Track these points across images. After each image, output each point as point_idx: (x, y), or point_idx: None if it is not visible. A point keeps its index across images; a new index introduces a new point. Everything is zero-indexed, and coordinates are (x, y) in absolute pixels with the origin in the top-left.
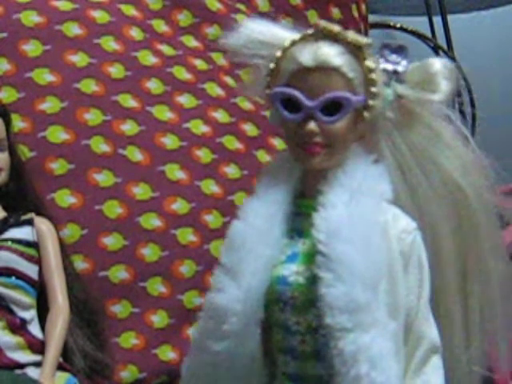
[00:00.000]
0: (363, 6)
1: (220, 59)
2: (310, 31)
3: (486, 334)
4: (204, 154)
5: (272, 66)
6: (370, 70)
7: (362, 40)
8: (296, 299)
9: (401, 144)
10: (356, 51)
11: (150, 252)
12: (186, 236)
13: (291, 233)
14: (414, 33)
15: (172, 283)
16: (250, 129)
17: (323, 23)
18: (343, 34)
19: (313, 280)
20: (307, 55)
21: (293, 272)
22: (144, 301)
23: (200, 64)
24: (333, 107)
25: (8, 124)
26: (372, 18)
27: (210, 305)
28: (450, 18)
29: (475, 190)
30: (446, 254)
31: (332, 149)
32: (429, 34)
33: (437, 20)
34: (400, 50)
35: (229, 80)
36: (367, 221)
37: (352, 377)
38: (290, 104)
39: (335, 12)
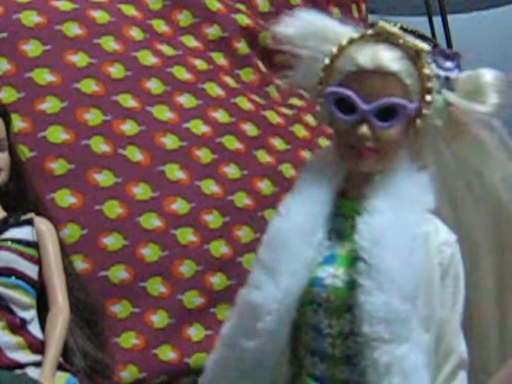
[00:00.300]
0: (363, 6)
1: (220, 59)
2: (370, 32)
3: None
4: (204, 154)
5: (327, 61)
6: (428, 78)
7: (423, 46)
8: (331, 302)
9: (445, 152)
10: (415, 57)
11: (149, 252)
12: (186, 236)
13: (330, 234)
14: (414, 33)
15: (172, 283)
16: (249, 129)
17: (384, 25)
18: (404, 38)
19: (351, 285)
20: (366, 57)
21: (330, 274)
22: (144, 301)
23: (200, 64)
24: (388, 113)
25: (8, 124)
26: (372, 18)
27: (244, 301)
28: (450, 18)
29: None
30: (484, 266)
31: (382, 154)
32: (429, 34)
33: (437, 20)
34: (454, 57)
35: (229, 80)
36: (410, 231)
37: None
38: (344, 105)
39: (335, 12)
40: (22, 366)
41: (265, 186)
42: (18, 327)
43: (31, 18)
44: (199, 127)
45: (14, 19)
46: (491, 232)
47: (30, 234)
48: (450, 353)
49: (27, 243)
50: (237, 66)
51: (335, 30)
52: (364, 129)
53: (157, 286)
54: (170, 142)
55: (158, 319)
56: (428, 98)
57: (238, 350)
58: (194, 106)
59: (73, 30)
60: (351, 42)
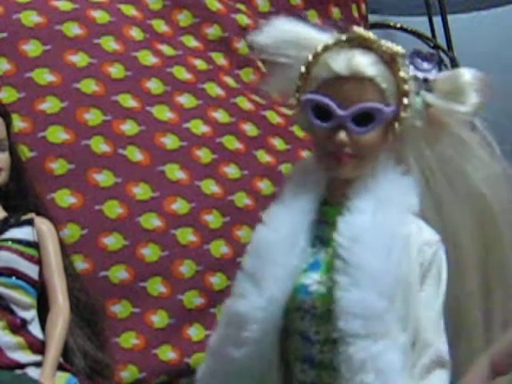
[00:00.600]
0: (363, 6)
1: (220, 59)
2: (344, 37)
3: None
4: (204, 154)
5: (303, 69)
6: (404, 81)
7: (397, 50)
8: (316, 309)
9: (427, 154)
10: (390, 61)
11: (150, 252)
12: (186, 236)
13: (314, 241)
14: (414, 33)
15: (172, 283)
16: (249, 129)
17: (358, 30)
18: (378, 42)
19: (333, 289)
20: (341, 63)
21: (314, 281)
22: (144, 301)
23: (200, 64)
24: (364, 118)
25: (8, 124)
26: (372, 18)
27: (230, 311)
28: (450, 17)
29: (500, 201)
30: (469, 265)
31: (361, 159)
32: (429, 34)
33: (437, 20)
34: (431, 58)
35: (229, 80)
36: (390, 231)
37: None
38: (321, 111)
39: (335, 12)
40: (22, 366)
41: (265, 186)
42: (19, 327)
43: (31, 17)
44: (199, 127)
45: (14, 19)
46: (476, 232)
47: (31, 234)
48: (427, 347)
49: (27, 243)
50: (237, 66)
51: (311, 37)
52: (342, 135)
53: (157, 286)
54: (170, 141)
55: (158, 319)
56: (405, 100)
57: (226, 360)
58: (194, 106)
59: (73, 30)
60: (326, 48)
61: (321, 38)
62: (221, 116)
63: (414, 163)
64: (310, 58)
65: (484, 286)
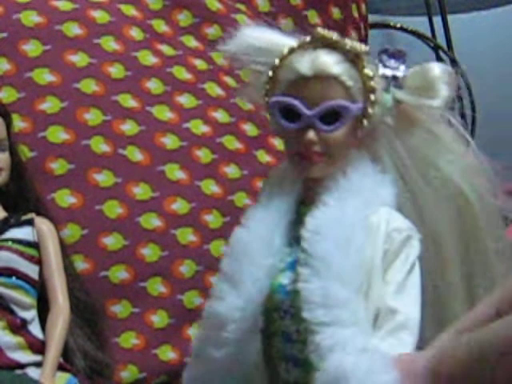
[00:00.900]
0: (363, 6)
1: (220, 59)
2: (307, 39)
3: None
4: (204, 154)
5: (270, 73)
6: (369, 78)
7: (360, 48)
8: (295, 308)
9: (401, 150)
10: (354, 59)
11: (150, 252)
12: (186, 236)
13: (291, 241)
14: (414, 33)
15: (172, 283)
16: (249, 129)
17: (321, 31)
18: (341, 42)
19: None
20: (305, 64)
21: (292, 280)
22: (144, 301)
23: (200, 64)
24: (332, 116)
25: (8, 124)
26: (372, 18)
27: (209, 312)
28: (450, 17)
29: (477, 192)
30: (450, 259)
31: (331, 157)
32: (429, 34)
33: (437, 20)
34: (398, 55)
35: (229, 80)
36: (351, 220)
37: (327, 371)
38: (289, 113)
39: (335, 12)
40: (22, 366)
41: None
42: (19, 327)
43: (31, 17)
44: (199, 127)
45: (14, 19)
46: (454, 225)
47: (31, 234)
48: (389, 313)
49: (28, 243)
50: (237, 67)
51: (279, 42)
52: (311, 134)
53: (157, 286)
54: (170, 141)
55: (158, 319)
56: (372, 97)
57: (209, 361)
58: (194, 105)
59: (73, 30)
60: (291, 51)
61: (288, 42)
62: (221, 116)
63: (388, 160)
64: (277, 61)
65: (466, 280)
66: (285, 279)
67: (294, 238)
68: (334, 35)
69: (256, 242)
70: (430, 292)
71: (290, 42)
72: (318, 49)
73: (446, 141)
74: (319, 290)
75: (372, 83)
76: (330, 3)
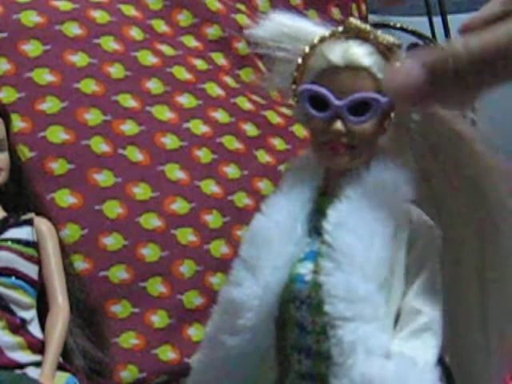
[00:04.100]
0: (363, 6)
1: (220, 59)
2: (340, 28)
3: (504, 349)
4: (204, 154)
5: (300, 61)
6: None
7: (393, 40)
8: (312, 298)
9: (423, 147)
10: (386, 52)
11: (150, 252)
12: (186, 236)
13: (311, 231)
14: (414, 33)
15: (172, 283)
16: (249, 129)
17: (354, 21)
18: (374, 33)
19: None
20: (337, 53)
21: (310, 271)
22: (144, 301)
23: (200, 64)
24: (361, 107)
25: (8, 124)
26: (372, 18)
27: (225, 298)
28: (449, 17)
29: (497, 195)
30: (465, 263)
31: (357, 150)
32: (429, 34)
33: (437, 20)
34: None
35: (229, 80)
36: (375, 215)
37: (348, 366)
38: (318, 102)
39: (335, 12)
40: (21, 366)
41: (265, 186)
42: (18, 327)
43: (31, 18)
44: (199, 127)
45: (14, 19)
46: (471, 225)
47: (30, 233)
48: (412, 314)
49: (27, 243)
50: (237, 66)
51: (308, 30)
52: (338, 124)
53: (157, 286)
54: (170, 141)
55: (158, 319)
56: None
57: (222, 348)
58: (194, 105)
59: (73, 30)
60: (322, 40)
61: (318, 30)
62: (221, 116)
63: (411, 157)
64: (307, 49)
65: (480, 281)
66: (303, 269)
67: (314, 229)
68: (367, 26)
69: (276, 229)
70: (446, 291)
71: (320, 30)
72: (350, 39)
73: (468, 140)
74: (342, 283)
75: None
76: (329, 3)
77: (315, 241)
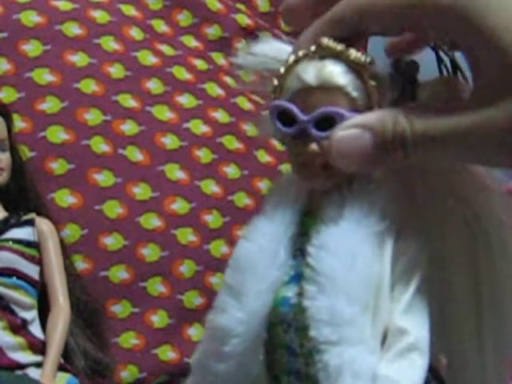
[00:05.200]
0: None
1: (220, 59)
2: (313, 48)
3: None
4: (204, 154)
5: (276, 82)
6: (374, 89)
7: (365, 59)
8: (299, 321)
9: (411, 165)
10: (360, 70)
11: (150, 252)
12: (186, 236)
13: (296, 253)
14: None
15: (172, 283)
16: (250, 129)
17: (325, 41)
18: (345, 52)
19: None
20: (310, 73)
21: (295, 294)
22: (144, 301)
23: (200, 64)
24: (327, 123)
25: (10, 124)
26: None
27: (212, 325)
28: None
29: (493, 219)
30: (459, 290)
31: (333, 169)
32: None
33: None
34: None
35: (229, 80)
36: (357, 236)
37: None
38: (286, 118)
39: None
40: (22, 366)
41: (265, 186)
42: (19, 328)
43: (31, 18)
44: (199, 127)
45: (14, 19)
46: (465, 249)
47: (31, 234)
48: (399, 334)
49: (28, 243)
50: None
51: (285, 50)
52: (313, 146)
53: (157, 286)
54: (170, 141)
55: (158, 319)
56: (377, 108)
57: (210, 374)
58: (194, 105)
59: (73, 30)
60: (297, 60)
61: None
62: (221, 116)
63: (396, 175)
64: (282, 70)
65: (476, 314)
66: (289, 292)
67: (300, 251)
68: (338, 46)
69: (260, 254)
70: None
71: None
72: (324, 59)
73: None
74: (326, 307)
75: (376, 95)
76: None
77: (300, 262)
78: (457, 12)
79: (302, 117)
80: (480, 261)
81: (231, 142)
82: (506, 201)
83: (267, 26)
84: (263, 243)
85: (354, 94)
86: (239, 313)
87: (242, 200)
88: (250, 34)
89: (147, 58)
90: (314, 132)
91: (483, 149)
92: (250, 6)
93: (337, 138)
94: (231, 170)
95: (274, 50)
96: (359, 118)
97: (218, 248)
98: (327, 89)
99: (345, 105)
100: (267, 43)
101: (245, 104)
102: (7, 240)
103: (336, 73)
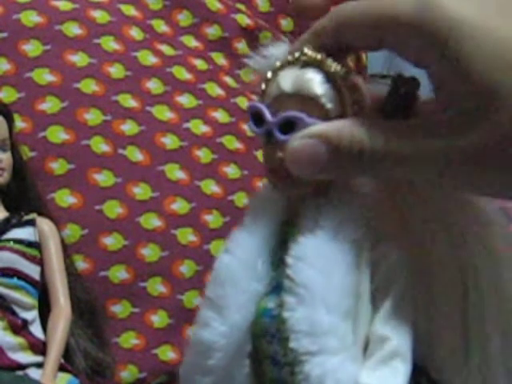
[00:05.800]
0: None
1: (220, 59)
2: (296, 55)
3: None
4: (204, 154)
5: (263, 86)
6: (349, 102)
7: (343, 70)
8: (281, 332)
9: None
10: (338, 81)
11: (150, 252)
12: (186, 236)
13: (277, 263)
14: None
15: (172, 283)
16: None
17: (306, 50)
18: (324, 62)
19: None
20: (288, 81)
21: (277, 305)
22: (144, 301)
23: (200, 64)
24: (289, 127)
25: (11, 124)
26: None
27: (194, 340)
28: None
29: (482, 247)
30: (443, 303)
31: (298, 177)
32: None
33: None
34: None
35: (229, 80)
36: (335, 245)
37: None
38: (257, 118)
39: None
40: (23, 366)
41: None
42: (20, 328)
43: (31, 18)
44: (199, 127)
45: (14, 19)
46: (448, 262)
47: (32, 234)
48: (381, 341)
49: (29, 243)
50: (237, 66)
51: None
52: (280, 152)
53: (157, 286)
54: (170, 141)
55: (158, 319)
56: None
57: None
58: (194, 105)
59: (73, 30)
60: (282, 66)
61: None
62: (221, 116)
63: (378, 183)
64: (269, 75)
65: (462, 328)
66: (270, 303)
67: (280, 260)
68: (318, 55)
69: (240, 267)
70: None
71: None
72: (305, 67)
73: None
74: (305, 318)
75: (351, 108)
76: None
77: (281, 274)
78: (417, 31)
79: (269, 118)
80: (467, 278)
81: (231, 142)
82: (489, 220)
83: (267, 26)
84: (242, 256)
85: (329, 105)
86: (221, 326)
87: (242, 200)
88: (250, 34)
89: (147, 58)
90: (278, 135)
91: (449, 174)
92: (249, 6)
93: (292, 146)
94: (231, 170)
95: (285, 53)
96: (317, 128)
97: (218, 248)
98: (301, 97)
99: (316, 113)
100: (279, 47)
101: (245, 104)
102: (8, 240)
103: (313, 82)
